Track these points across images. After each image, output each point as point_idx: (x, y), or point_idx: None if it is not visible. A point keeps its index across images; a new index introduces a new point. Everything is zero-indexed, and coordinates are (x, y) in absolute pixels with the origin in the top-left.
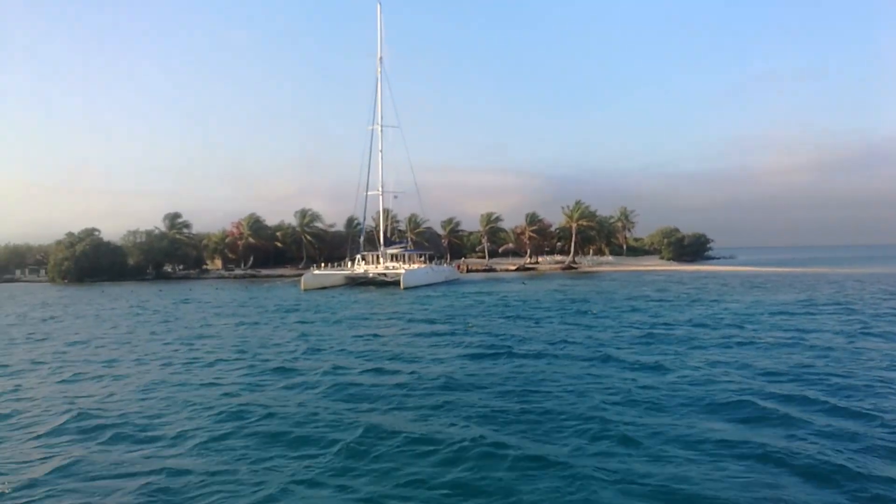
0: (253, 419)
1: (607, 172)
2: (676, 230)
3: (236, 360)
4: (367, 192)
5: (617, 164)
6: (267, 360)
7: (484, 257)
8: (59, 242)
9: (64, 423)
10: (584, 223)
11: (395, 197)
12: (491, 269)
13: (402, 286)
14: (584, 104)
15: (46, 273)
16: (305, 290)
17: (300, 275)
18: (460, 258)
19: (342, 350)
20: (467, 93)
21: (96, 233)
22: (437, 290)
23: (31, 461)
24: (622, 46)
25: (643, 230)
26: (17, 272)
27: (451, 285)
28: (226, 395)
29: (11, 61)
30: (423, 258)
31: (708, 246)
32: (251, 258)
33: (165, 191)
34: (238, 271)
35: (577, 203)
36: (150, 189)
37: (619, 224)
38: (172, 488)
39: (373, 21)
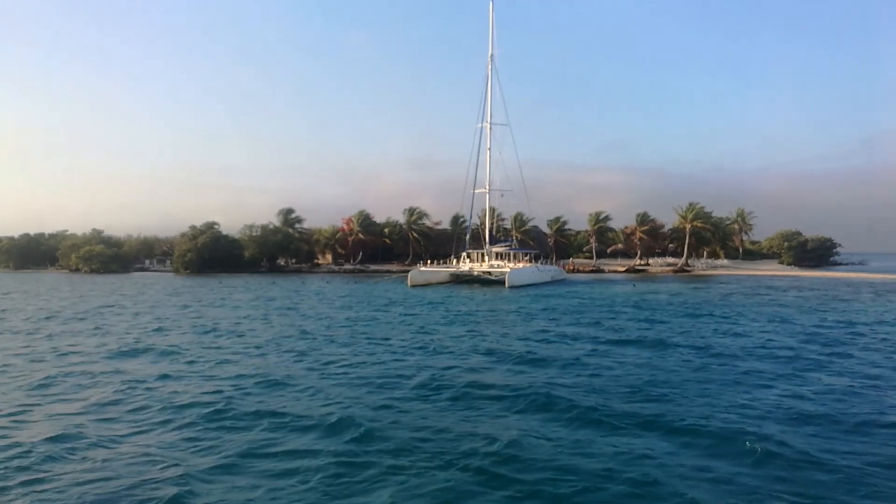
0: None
1: (724, 171)
2: (798, 233)
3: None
4: (473, 189)
5: (735, 162)
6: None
7: (591, 258)
8: (182, 235)
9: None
10: (699, 224)
11: (502, 195)
12: (598, 270)
13: (507, 285)
14: (703, 99)
15: (171, 263)
16: (412, 286)
17: (406, 271)
18: (566, 258)
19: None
20: (580, 87)
21: (216, 226)
22: (544, 290)
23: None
24: (748, 38)
25: (761, 233)
26: (147, 262)
27: (557, 285)
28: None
29: (150, 77)
30: (528, 257)
31: (834, 251)
32: (360, 254)
33: (280, 188)
34: (347, 266)
35: (692, 204)
36: (266, 186)
37: (736, 226)
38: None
39: (484, 18)
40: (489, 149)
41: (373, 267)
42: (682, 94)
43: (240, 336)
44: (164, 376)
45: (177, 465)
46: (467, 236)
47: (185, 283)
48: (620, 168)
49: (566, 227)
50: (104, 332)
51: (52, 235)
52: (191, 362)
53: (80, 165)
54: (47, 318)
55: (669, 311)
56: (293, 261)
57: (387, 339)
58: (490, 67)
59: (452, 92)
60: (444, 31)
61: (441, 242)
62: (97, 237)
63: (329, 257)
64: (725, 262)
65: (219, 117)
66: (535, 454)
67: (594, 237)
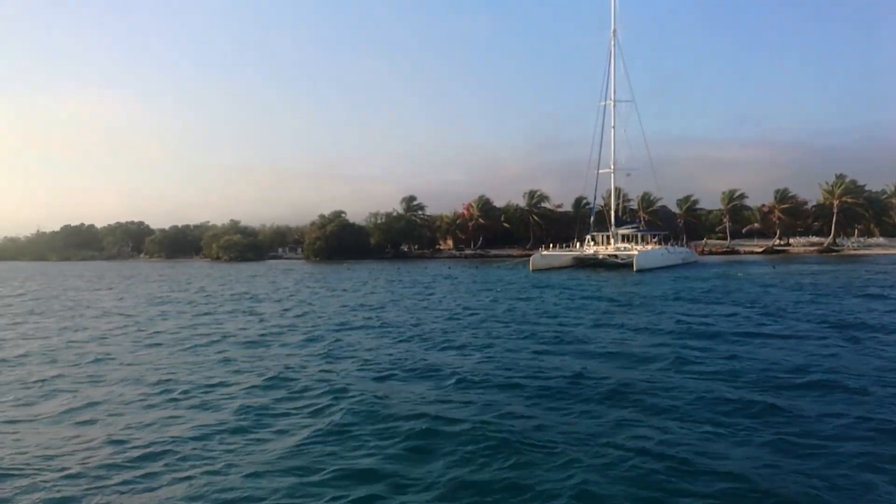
0: None
1: (881, 141)
2: None
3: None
4: (597, 170)
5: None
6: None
7: (725, 238)
8: (312, 224)
9: None
10: (849, 200)
11: (628, 175)
12: (733, 251)
13: (634, 268)
14: (854, 64)
15: (302, 251)
16: (534, 270)
17: (527, 255)
18: (698, 239)
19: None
20: (711, 60)
21: (343, 215)
22: (676, 273)
23: None
24: None
25: None
26: (280, 250)
27: (689, 268)
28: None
29: (280, 73)
30: (656, 239)
31: None
32: (480, 239)
33: (403, 176)
34: (468, 251)
35: (839, 177)
36: (390, 175)
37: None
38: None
39: None
40: (613, 127)
41: (493, 252)
42: (829, 60)
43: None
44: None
45: None
46: (591, 218)
47: (318, 268)
48: (756, 142)
49: (697, 206)
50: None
51: (196, 227)
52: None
53: (220, 161)
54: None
55: (833, 292)
56: (416, 247)
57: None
58: (613, 43)
59: (575, 71)
60: (564, 10)
61: (563, 225)
62: (235, 227)
63: (450, 243)
64: (881, 240)
65: (345, 109)
66: None
67: (728, 216)
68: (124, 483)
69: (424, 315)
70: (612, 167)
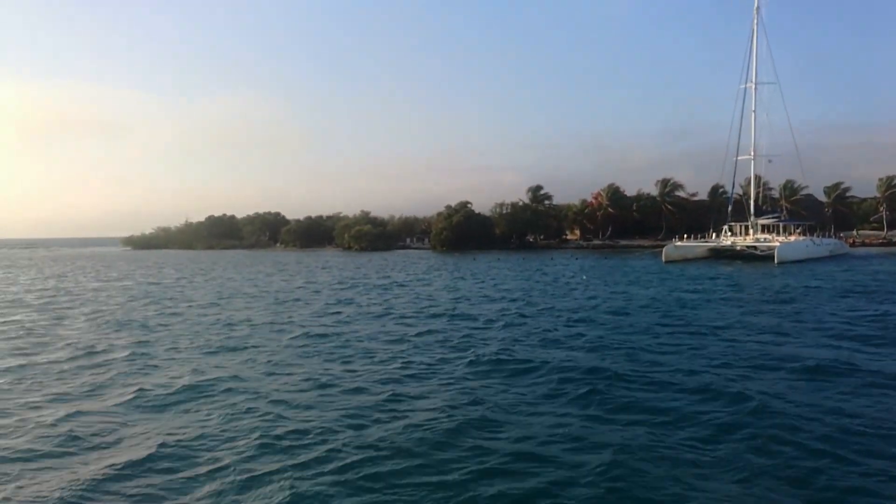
0: None
1: None
2: None
3: None
4: (736, 157)
5: None
6: None
7: (881, 228)
8: (439, 214)
9: None
10: None
11: (770, 161)
12: (890, 243)
13: (776, 260)
14: None
15: (429, 241)
16: (667, 261)
17: (658, 246)
18: (849, 230)
19: None
20: (863, 36)
21: (469, 205)
22: (824, 266)
23: None
24: None
25: None
26: (408, 240)
27: (838, 260)
28: None
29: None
30: (800, 229)
31: None
32: (609, 229)
33: (530, 165)
34: (596, 242)
35: None
36: (516, 164)
37: None
38: None
39: None
40: (754, 111)
41: (622, 242)
42: None
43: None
44: None
45: None
46: (729, 208)
47: (447, 259)
48: None
49: (848, 194)
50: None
51: (328, 217)
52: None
53: (351, 154)
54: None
55: None
56: (542, 237)
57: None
58: (755, 21)
59: (714, 53)
60: None
61: (697, 215)
62: (365, 218)
63: (577, 233)
64: None
65: (472, 101)
66: None
67: (885, 205)
68: None
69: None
70: (753, 153)
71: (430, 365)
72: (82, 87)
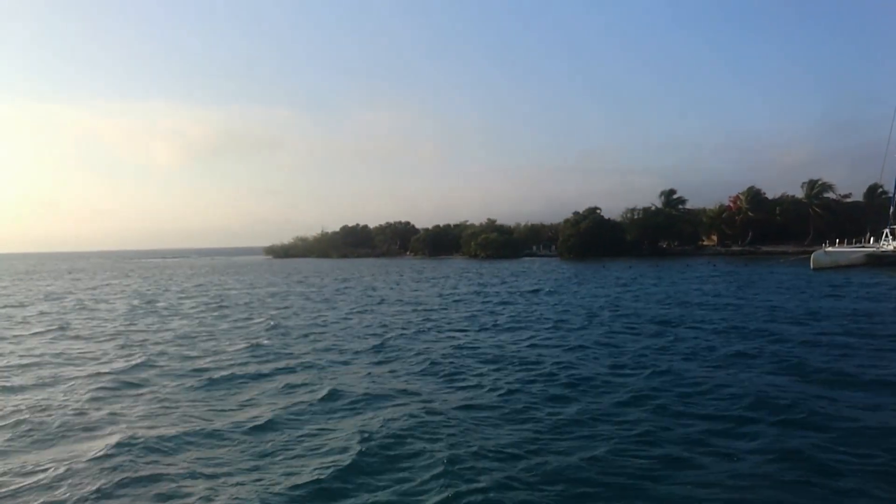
0: None
1: None
2: None
3: None
4: None
5: None
6: None
7: None
8: (566, 221)
9: None
10: None
11: None
12: None
13: None
14: None
15: (556, 248)
16: (816, 269)
17: (805, 252)
18: None
19: None
20: None
21: (597, 211)
22: None
23: None
24: None
25: None
26: (534, 248)
27: None
28: None
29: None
30: None
31: None
32: (749, 233)
33: (663, 167)
34: (735, 248)
35: None
36: (649, 167)
37: None
38: None
39: None
40: None
41: (764, 248)
42: None
43: None
44: None
45: None
46: (891, 209)
47: (574, 267)
48: None
49: None
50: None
51: (455, 226)
52: None
53: (478, 162)
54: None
55: None
56: (676, 243)
57: None
58: None
59: (872, 42)
60: None
61: (850, 218)
62: (491, 226)
63: (714, 238)
64: None
65: (603, 102)
66: None
67: None
68: None
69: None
70: None
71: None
72: (240, 109)
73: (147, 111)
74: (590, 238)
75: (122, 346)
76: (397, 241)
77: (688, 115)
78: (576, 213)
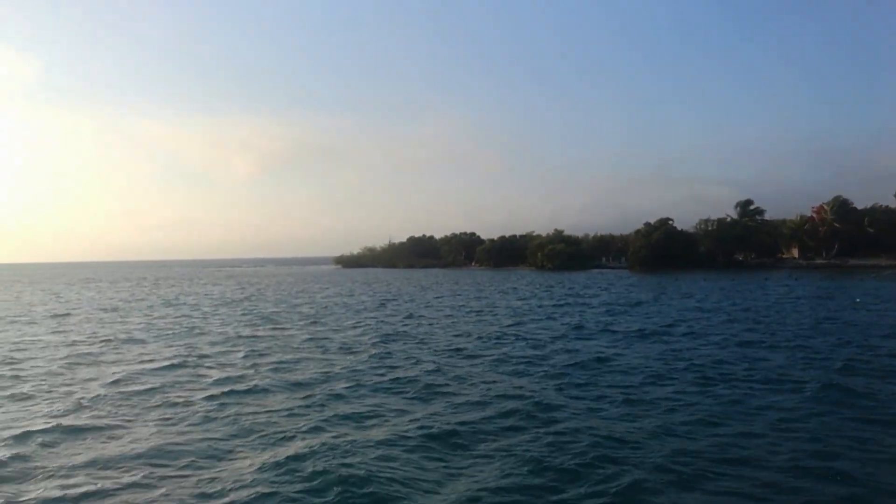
0: None
1: None
2: None
3: None
4: None
5: None
6: None
7: None
8: (637, 232)
9: None
10: None
11: None
12: None
13: None
14: None
15: (626, 260)
16: None
17: None
18: None
19: None
20: None
21: (669, 222)
22: None
23: None
24: None
25: None
26: (603, 259)
27: None
28: None
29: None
30: None
31: None
32: (835, 246)
33: (738, 178)
34: (818, 261)
35: None
36: (723, 177)
37: None
38: None
39: None
40: None
41: (852, 261)
42: None
43: None
44: None
45: None
46: None
47: (651, 279)
48: None
49: None
50: None
51: (521, 237)
52: None
53: (545, 172)
54: None
55: None
56: (752, 256)
57: None
58: None
59: None
60: None
61: None
62: (559, 237)
63: (795, 251)
64: None
65: (677, 110)
66: None
67: None
68: None
69: None
70: None
71: None
72: (311, 121)
73: (226, 125)
74: (661, 250)
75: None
76: (462, 251)
77: (765, 124)
78: (647, 224)
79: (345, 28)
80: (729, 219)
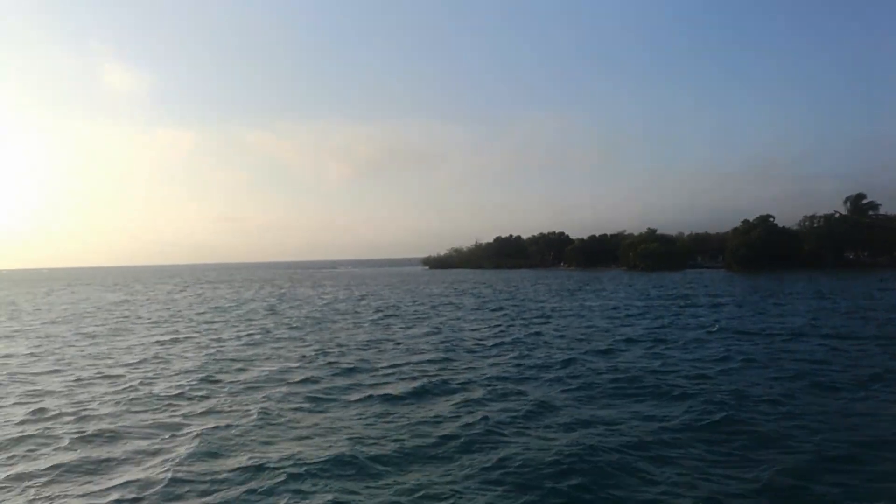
0: None
1: None
2: None
3: None
4: None
5: None
6: None
7: None
8: (735, 230)
9: None
10: None
11: None
12: None
13: None
14: None
15: (723, 259)
16: None
17: None
18: None
19: None
20: None
21: (770, 219)
22: None
23: None
24: None
25: None
26: (699, 258)
27: None
28: None
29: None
30: None
31: None
32: None
33: (848, 171)
34: None
35: None
36: (831, 171)
37: None
38: None
39: None
40: None
41: None
42: None
43: None
44: None
45: None
46: None
47: (754, 279)
48: None
49: None
50: None
51: (612, 236)
52: None
53: (637, 170)
54: None
55: None
56: (865, 254)
57: None
58: None
59: None
60: None
61: None
62: (651, 235)
63: None
64: None
65: (779, 102)
66: None
67: None
68: None
69: None
70: None
71: None
72: (401, 124)
73: (320, 130)
74: (761, 248)
75: None
76: (551, 252)
77: (878, 115)
78: (745, 222)
79: (432, 36)
80: (837, 215)
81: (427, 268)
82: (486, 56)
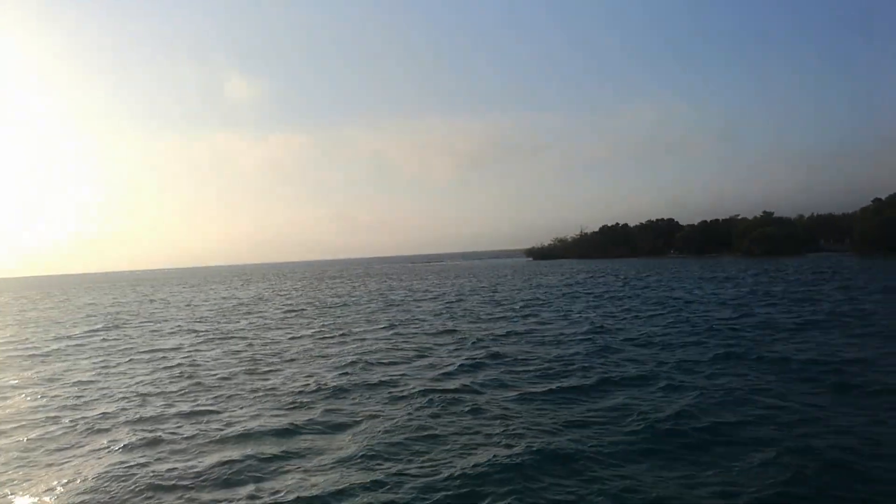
0: None
1: None
2: None
3: None
4: None
5: None
6: None
7: None
8: (863, 210)
9: None
10: None
11: None
12: None
13: None
14: None
15: (849, 242)
16: None
17: None
18: None
19: None
20: None
21: None
22: None
23: None
24: None
25: None
26: (821, 242)
27: None
28: None
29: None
30: None
31: None
32: None
33: None
34: None
35: None
36: None
37: None
38: None
39: None
40: None
41: None
42: None
43: None
44: None
45: None
46: None
47: (871, 265)
48: None
49: None
50: None
51: (725, 221)
52: None
53: (751, 150)
54: None
55: None
56: None
57: None
58: None
59: None
60: None
61: None
62: (768, 219)
63: None
64: None
65: None
66: None
67: None
68: None
69: None
70: None
71: None
72: (502, 117)
73: (424, 128)
74: (894, 229)
75: None
76: (660, 239)
77: None
78: (876, 200)
79: (535, 26)
80: None
81: (531, 259)
82: (585, 43)
